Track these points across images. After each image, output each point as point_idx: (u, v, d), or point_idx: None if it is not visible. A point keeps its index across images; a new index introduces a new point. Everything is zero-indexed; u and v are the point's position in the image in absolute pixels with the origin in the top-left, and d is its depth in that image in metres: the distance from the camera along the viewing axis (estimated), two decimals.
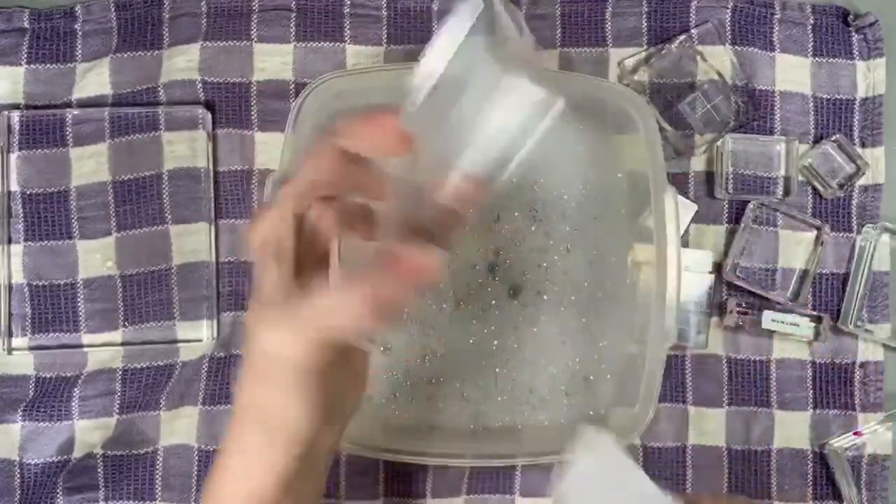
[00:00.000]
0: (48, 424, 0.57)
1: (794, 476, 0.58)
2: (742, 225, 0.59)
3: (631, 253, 0.58)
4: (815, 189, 0.60)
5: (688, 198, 0.59)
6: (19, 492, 0.57)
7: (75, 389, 0.57)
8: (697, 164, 0.60)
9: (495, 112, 0.34)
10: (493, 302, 0.58)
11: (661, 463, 0.58)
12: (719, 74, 0.59)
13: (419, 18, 0.60)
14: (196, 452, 0.57)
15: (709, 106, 0.60)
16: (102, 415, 0.57)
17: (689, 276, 0.57)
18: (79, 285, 0.58)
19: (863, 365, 0.60)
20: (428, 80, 0.34)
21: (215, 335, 0.58)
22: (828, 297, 0.60)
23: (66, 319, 0.58)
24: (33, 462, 0.57)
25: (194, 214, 0.58)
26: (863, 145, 0.60)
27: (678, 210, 0.52)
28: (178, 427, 0.57)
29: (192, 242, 0.58)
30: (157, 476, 0.57)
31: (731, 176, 0.59)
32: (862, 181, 0.60)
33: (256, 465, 0.39)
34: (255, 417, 0.39)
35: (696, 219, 0.59)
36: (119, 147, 0.59)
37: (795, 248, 0.60)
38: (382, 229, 0.39)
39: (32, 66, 0.59)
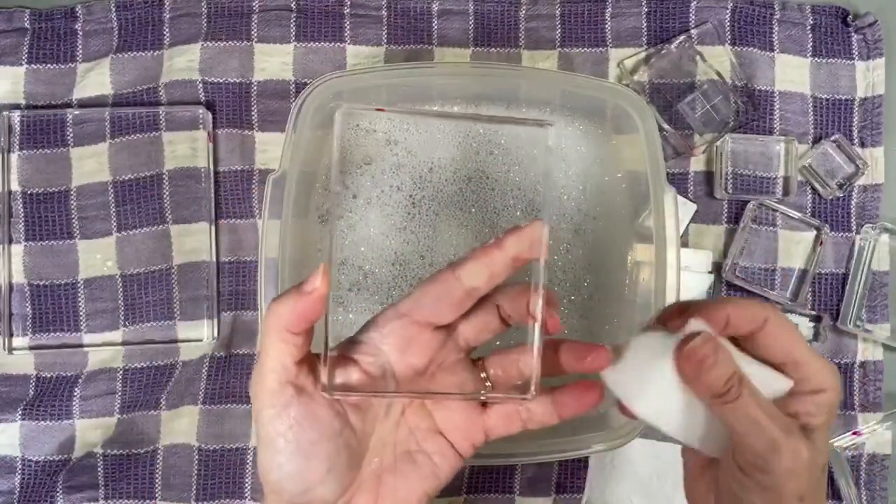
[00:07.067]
0: (48, 424, 0.57)
1: None
2: (741, 225, 0.59)
3: (631, 253, 0.58)
4: (814, 189, 0.60)
5: (687, 198, 0.59)
6: (19, 490, 0.57)
7: (76, 389, 0.57)
8: (697, 164, 0.60)
9: None
10: None
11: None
12: (719, 74, 0.60)
13: (419, 18, 0.60)
14: (196, 452, 0.57)
15: (708, 106, 0.60)
16: (103, 414, 0.57)
17: (689, 275, 0.57)
18: (79, 285, 0.58)
19: (862, 365, 0.60)
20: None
21: (215, 335, 0.58)
22: (827, 296, 0.60)
23: (66, 319, 0.58)
24: (33, 461, 0.57)
25: (195, 214, 0.58)
26: (862, 145, 0.61)
27: (678, 210, 0.52)
28: (178, 426, 0.57)
29: (192, 242, 0.58)
30: (157, 475, 0.57)
31: (731, 176, 0.59)
32: (861, 181, 0.60)
33: None
34: None
35: (696, 219, 0.59)
36: (120, 147, 0.59)
37: (795, 248, 0.60)
38: None
39: (33, 66, 0.59)
